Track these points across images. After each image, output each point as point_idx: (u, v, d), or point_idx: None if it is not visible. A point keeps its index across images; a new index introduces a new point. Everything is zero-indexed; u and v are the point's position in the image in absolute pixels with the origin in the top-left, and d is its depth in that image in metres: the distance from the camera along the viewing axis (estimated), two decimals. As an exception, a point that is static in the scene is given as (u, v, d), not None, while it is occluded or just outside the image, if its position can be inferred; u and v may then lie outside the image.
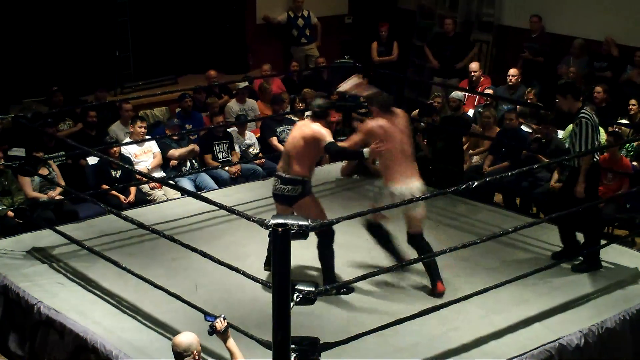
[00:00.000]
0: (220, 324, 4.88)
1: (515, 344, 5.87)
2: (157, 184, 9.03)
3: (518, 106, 10.28)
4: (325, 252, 6.69)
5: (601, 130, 9.52)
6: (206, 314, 5.12)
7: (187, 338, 4.79)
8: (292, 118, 10.47)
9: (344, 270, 6.87)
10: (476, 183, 5.87)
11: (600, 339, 6.12)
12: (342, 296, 6.53)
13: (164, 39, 12.14)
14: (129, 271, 6.49)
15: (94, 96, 10.65)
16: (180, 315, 6.09)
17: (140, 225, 6.45)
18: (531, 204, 9.35)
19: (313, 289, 5.12)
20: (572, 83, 8.02)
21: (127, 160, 9.03)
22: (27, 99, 10.71)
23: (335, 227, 6.20)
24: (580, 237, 7.14)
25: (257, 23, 13.21)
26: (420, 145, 9.53)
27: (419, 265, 6.62)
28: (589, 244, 7.07)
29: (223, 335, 4.93)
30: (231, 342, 4.97)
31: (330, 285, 6.22)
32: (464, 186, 5.84)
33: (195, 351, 4.76)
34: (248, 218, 5.96)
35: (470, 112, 10.86)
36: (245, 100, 10.89)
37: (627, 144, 9.15)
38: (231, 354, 4.99)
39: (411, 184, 6.49)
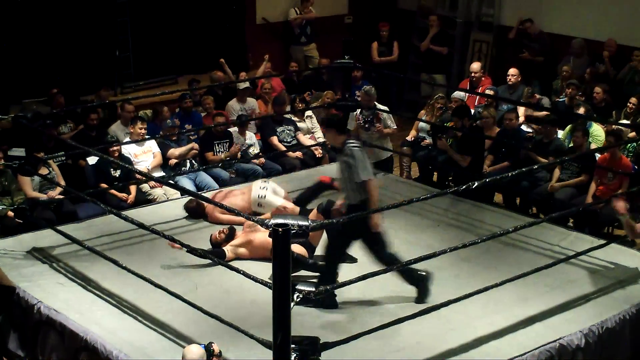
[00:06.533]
0: (217, 348, 5.18)
1: (516, 344, 5.86)
2: (157, 183, 9.02)
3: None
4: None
5: (599, 128, 9.59)
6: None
7: (198, 348, 5.10)
8: (293, 118, 10.46)
9: (344, 269, 6.87)
10: (476, 184, 5.88)
11: (600, 339, 6.12)
12: (341, 296, 6.49)
13: (164, 39, 12.13)
14: (129, 271, 6.48)
15: (95, 95, 10.64)
16: (180, 316, 6.09)
17: (140, 225, 6.45)
18: (531, 204, 9.34)
19: (313, 289, 5.12)
20: (335, 117, 7.19)
21: (127, 160, 9.02)
22: (27, 99, 10.71)
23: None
24: None
25: (257, 23, 13.21)
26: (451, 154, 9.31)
27: (423, 264, 6.53)
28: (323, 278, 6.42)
29: (219, 358, 5.21)
30: None
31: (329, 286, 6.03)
32: (464, 187, 5.84)
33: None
34: (248, 218, 5.97)
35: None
36: (246, 99, 10.88)
37: (628, 144, 9.15)
38: None
39: None
